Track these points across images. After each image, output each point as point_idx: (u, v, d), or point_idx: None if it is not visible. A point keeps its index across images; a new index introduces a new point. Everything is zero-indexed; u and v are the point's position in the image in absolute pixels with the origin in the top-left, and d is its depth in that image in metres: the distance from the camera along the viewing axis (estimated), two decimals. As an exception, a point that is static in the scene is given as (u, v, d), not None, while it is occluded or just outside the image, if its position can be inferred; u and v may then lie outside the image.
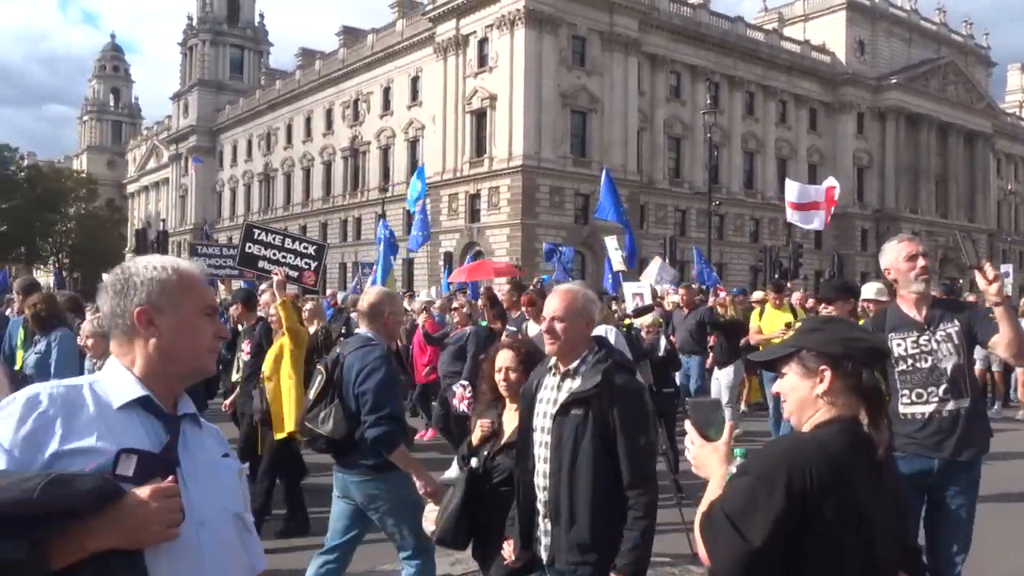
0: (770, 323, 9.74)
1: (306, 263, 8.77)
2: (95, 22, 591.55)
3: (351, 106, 59.45)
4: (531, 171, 43.45)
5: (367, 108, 57.71)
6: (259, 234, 9.11)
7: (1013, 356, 3.84)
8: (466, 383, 7.93)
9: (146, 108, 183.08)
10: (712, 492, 1.92)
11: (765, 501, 1.75)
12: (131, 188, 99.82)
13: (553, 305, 3.09)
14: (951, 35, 68.16)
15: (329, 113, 62.11)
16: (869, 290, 6.14)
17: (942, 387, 3.82)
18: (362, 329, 4.30)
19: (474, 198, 46.54)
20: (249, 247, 9.02)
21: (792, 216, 13.91)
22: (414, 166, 52.96)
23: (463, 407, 7.85)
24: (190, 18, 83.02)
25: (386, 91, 55.95)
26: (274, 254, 8.61)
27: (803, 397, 1.96)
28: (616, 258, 15.47)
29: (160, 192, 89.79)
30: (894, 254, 4.00)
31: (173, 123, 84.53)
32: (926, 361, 3.91)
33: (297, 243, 9.09)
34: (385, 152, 56.07)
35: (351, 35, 63.40)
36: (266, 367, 6.55)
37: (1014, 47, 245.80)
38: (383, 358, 4.13)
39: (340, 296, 19.94)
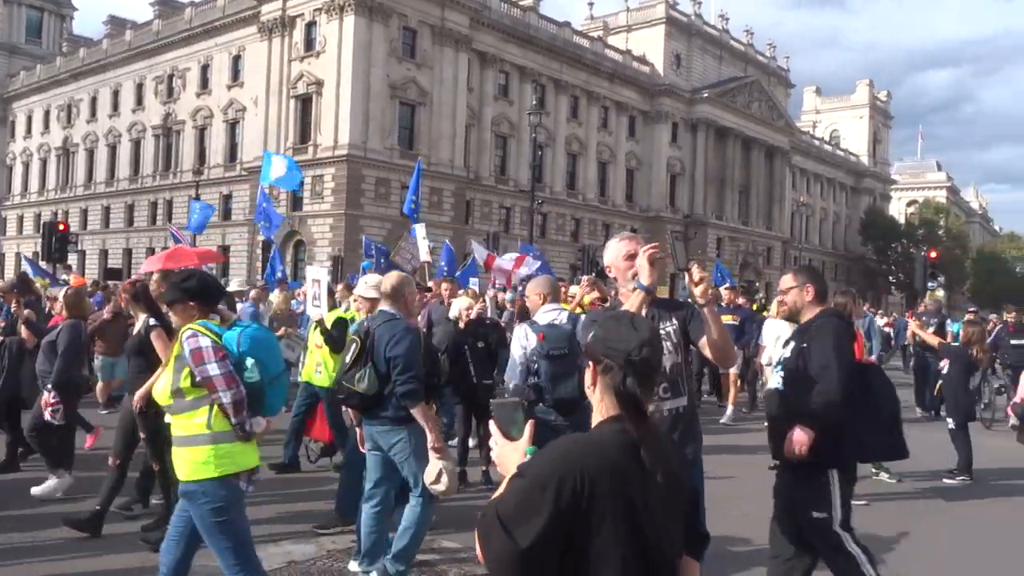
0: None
1: None
2: None
3: (164, 81, 55.86)
4: (357, 161, 42.66)
5: (183, 85, 54.45)
6: None
7: (717, 359, 3.80)
8: (50, 387, 6.93)
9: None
10: (503, 490, 1.90)
11: (537, 503, 1.75)
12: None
13: None
14: (757, 56, 73.48)
15: (140, 87, 58.08)
16: (362, 286, 5.99)
17: (662, 385, 3.69)
18: (385, 307, 5.07)
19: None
20: None
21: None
22: (233, 148, 50.92)
23: (48, 415, 6.97)
24: (-20, -29, 75.05)
25: (204, 68, 53.03)
26: None
27: (593, 393, 2.00)
28: (423, 247, 15.36)
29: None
30: (614, 253, 3.94)
31: (-44, 86, 76.20)
32: None
33: None
34: (201, 132, 53.17)
35: (167, 6, 59.64)
36: None
37: (810, 71, 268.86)
38: (407, 328, 4.95)
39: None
